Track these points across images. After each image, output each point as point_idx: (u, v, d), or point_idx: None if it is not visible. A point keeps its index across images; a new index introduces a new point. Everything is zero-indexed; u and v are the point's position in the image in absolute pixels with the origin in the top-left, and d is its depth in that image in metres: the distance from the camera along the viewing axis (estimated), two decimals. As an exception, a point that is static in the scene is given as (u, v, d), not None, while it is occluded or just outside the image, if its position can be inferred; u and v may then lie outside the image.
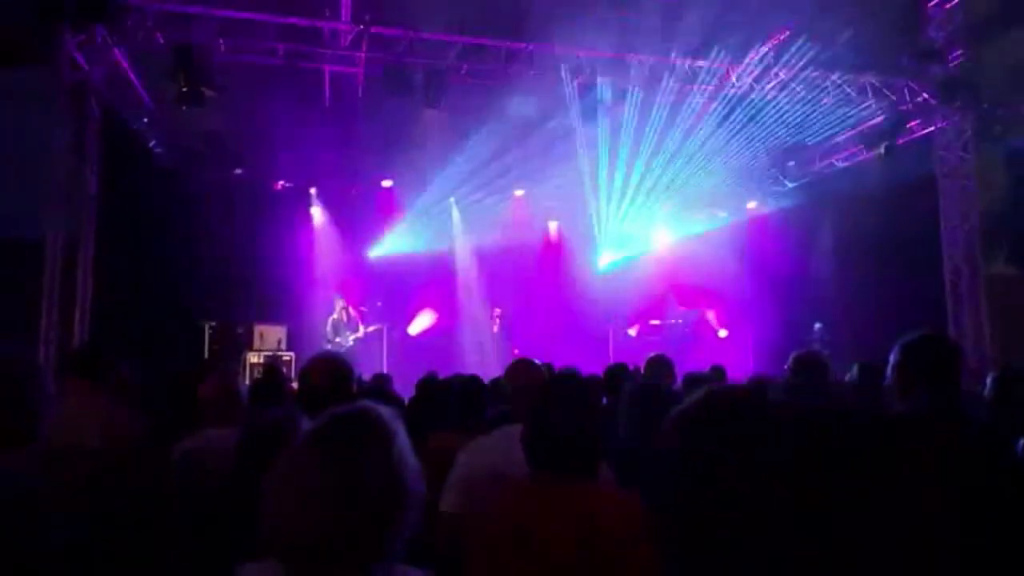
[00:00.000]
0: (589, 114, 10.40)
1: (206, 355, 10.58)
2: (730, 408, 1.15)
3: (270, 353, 10.47)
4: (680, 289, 12.73)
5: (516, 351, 12.00)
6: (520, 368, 3.35)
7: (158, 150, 11.22)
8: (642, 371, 5.17)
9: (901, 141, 11.35)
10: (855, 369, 4.86)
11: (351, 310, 11.35)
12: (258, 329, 11.06)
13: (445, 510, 2.64)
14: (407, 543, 1.32)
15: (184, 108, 9.39)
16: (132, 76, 9.62)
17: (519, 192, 13.45)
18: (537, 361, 3.50)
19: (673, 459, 1.14)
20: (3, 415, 1.94)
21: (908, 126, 11.37)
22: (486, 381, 4.73)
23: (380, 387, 5.41)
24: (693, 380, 4.54)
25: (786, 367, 4.24)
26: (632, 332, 12.80)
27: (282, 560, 1.26)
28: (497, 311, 12.50)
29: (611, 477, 2.49)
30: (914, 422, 2.37)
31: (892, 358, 2.50)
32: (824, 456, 1.08)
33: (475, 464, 2.70)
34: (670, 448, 1.16)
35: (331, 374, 2.77)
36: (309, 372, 2.82)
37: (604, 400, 4.62)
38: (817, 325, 12.14)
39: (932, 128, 11.22)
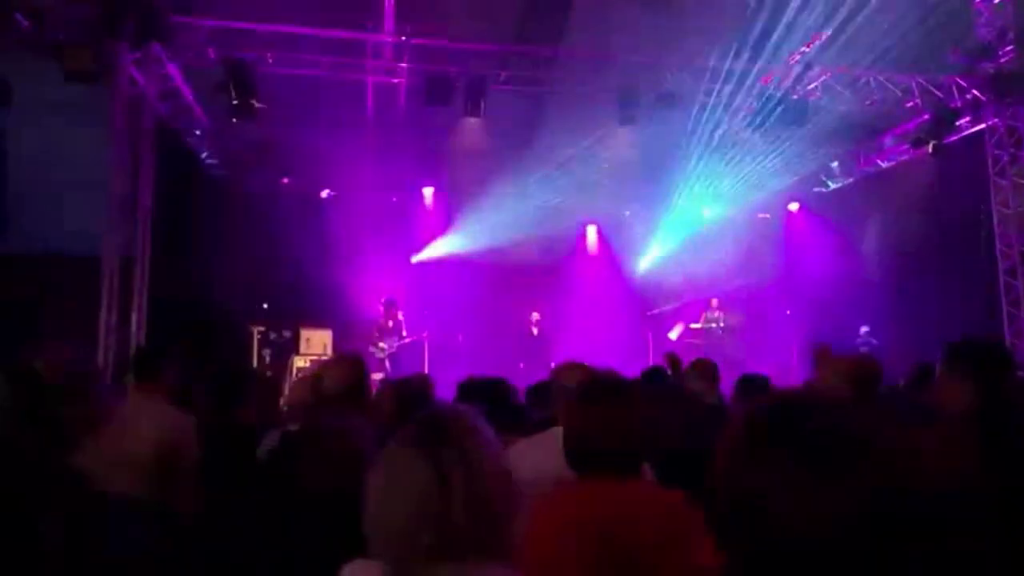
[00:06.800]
0: (630, 117, 10.42)
1: (255, 359, 10.85)
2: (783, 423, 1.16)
3: (316, 357, 10.68)
4: (723, 295, 12.65)
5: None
6: (564, 369, 3.22)
7: (210, 161, 11.57)
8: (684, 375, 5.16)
9: (950, 139, 11.10)
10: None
11: (395, 315, 11.52)
12: (304, 334, 11.29)
13: None
14: None
15: (234, 120, 9.72)
16: (185, 90, 9.94)
17: (558, 197, 13.50)
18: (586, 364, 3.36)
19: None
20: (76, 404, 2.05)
21: (957, 124, 11.12)
22: (526, 386, 4.84)
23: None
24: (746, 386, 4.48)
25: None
26: (674, 335, 12.73)
27: (387, 559, 1.28)
28: (535, 315, 12.56)
29: (651, 478, 2.52)
30: (957, 421, 2.39)
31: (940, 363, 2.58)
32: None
33: (517, 467, 2.72)
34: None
35: (348, 375, 2.86)
36: (326, 373, 2.94)
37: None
38: (863, 328, 11.95)
39: (982, 126, 10.97)
